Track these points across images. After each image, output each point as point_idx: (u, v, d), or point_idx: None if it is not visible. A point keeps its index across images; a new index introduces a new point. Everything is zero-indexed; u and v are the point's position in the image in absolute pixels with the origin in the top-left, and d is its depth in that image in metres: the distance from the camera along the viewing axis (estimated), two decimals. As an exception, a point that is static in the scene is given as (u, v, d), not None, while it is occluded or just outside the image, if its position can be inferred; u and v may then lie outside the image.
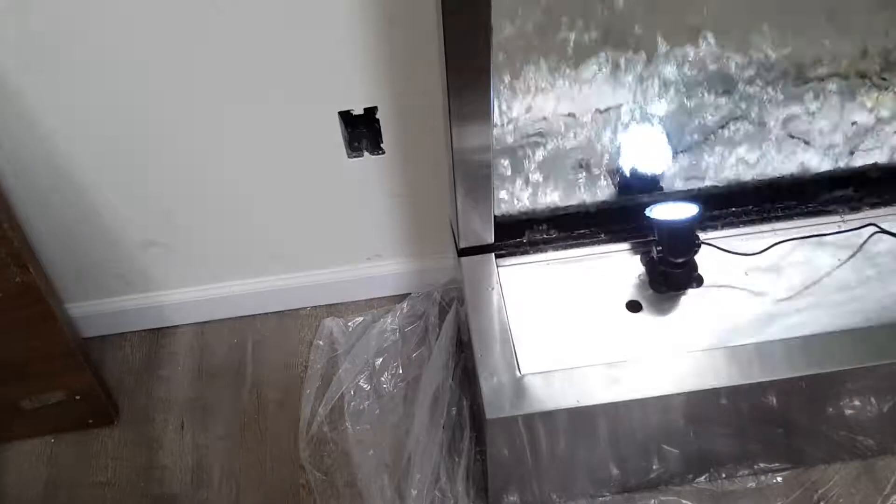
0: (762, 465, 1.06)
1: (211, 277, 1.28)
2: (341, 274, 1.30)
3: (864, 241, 1.03)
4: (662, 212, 0.98)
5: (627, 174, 1.02)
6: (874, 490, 1.05)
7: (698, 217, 0.96)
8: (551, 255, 1.06)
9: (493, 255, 1.04)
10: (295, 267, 1.29)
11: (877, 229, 1.03)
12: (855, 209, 1.07)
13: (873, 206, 1.07)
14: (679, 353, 0.91)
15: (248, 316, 1.34)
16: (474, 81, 0.81)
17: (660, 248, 0.99)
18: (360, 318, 1.30)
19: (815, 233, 1.03)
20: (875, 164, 1.07)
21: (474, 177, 0.92)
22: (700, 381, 0.88)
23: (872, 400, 0.96)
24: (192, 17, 0.89)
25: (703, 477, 1.06)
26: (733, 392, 0.89)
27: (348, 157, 1.10)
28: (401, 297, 1.31)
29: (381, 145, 1.10)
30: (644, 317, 0.99)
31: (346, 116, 1.06)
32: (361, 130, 1.09)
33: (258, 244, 1.23)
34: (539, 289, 1.02)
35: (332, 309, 1.33)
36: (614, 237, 1.07)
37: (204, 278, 1.28)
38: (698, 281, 1.01)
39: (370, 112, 1.05)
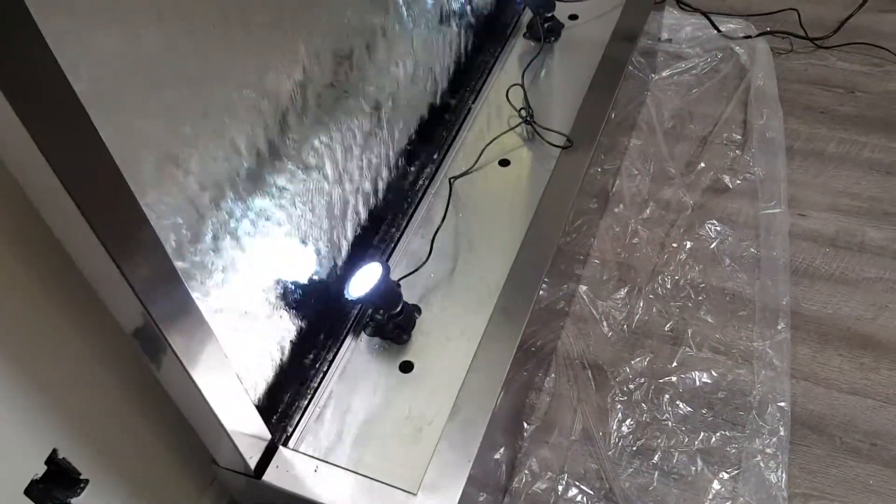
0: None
1: None
2: None
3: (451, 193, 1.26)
4: (359, 286, 1.04)
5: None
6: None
7: (388, 267, 1.05)
8: (317, 399, 1.04)
9: (281, 448, 0.98)
10: None
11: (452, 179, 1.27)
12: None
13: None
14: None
15: None
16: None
17: (380, 311, 1.06)
18: None
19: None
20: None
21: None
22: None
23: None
24: None
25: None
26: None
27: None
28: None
29: (82, 477, 0.90)
30: (419, 367, 1.06)
31: (33, 490, 0.83)
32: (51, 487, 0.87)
33: None
34: (339, 435, 1.00)
35: None
36: (334, 340, 1.09)
37: None
38: (418, 310, 1.12)
39: (53, 460, 0.85)
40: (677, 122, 1.70)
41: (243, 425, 0.90)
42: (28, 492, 0.82)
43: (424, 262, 1.14)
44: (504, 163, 1.30)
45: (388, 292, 1.05)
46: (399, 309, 1.07)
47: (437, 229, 1.17)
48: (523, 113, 1.32)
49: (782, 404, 1.26)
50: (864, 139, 1.64)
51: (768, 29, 1.86)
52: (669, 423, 1.26)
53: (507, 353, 1.04)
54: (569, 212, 1.19)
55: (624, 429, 1.26)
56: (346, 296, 1.05)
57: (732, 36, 1.84)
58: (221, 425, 0.86)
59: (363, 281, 1.05)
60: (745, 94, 1.73)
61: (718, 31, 1.83)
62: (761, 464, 1.20)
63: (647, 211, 1.54)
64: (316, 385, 1.06)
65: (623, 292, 1.43)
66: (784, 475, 1.19)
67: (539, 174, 1.26)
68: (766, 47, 1.80)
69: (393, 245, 1.20)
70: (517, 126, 1.33)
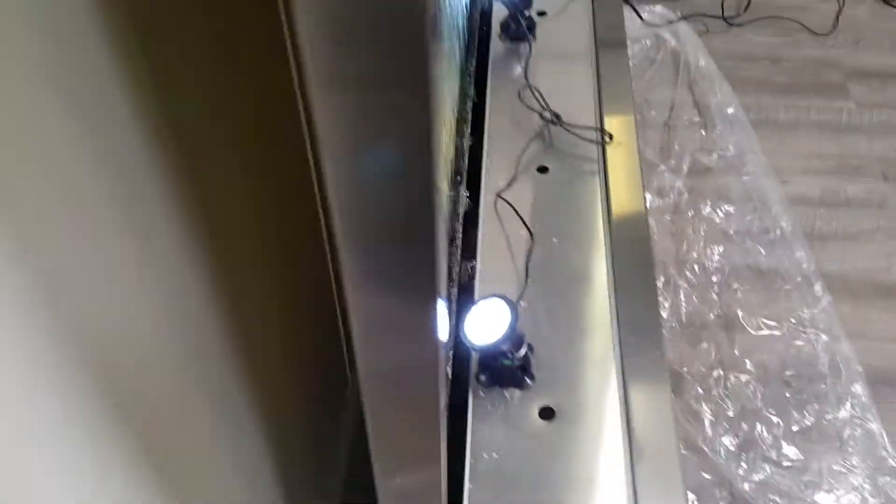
0: None
1: None
2: None
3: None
4: (480, 330, 0.87)
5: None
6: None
7: (513, 303, 0.88)
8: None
9: None
10: None
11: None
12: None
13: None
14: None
15: None
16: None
17: (508, 355, 0.90)
18: None
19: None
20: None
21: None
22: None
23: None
24: None
25: None
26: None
27: None
28: None
29: None
30: (561, 412, 0.91)
31: None
32: None
33: None
34: None
35: None
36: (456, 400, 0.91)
37: None
38: (530, 347, 0.96)
39: None
40: (636, 110, 1.67)
41: None
42: None
43: (525, 289, 0.99)
44: (542, 169, 1.18)
45: (516, 333, 0.89)
46: (523, 350, 0.91)
47: (530, 250, 1.03)
48: (547, 115, 1.21)
49: (853, 366, 1.25)
50: (806, 103, 1.71)
51: (680, 15, 1.89)
52: (761, 412, 1.21)
53: (660, 375, 0.92)
54: (645, 208, 1.09)
55: (720, 429, 1.19)
56: (468, 343, 0.87)
57: (655, 23, 1.85)
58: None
59: (482, 323, 0.88)
60: (687, 75, 1.74)
61: (641, 19, 1.84)
62: (858, 430, 1.18)
63: (647, 201, 1.49)
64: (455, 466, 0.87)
65: (658, 287, 1.36)
66: (885, 434, 1.17)
67: (588, 174, 1.15)
68: (690, 30, 1.83)
69: (460, 277, 1.03)
70: (542, 130, 1.21)
